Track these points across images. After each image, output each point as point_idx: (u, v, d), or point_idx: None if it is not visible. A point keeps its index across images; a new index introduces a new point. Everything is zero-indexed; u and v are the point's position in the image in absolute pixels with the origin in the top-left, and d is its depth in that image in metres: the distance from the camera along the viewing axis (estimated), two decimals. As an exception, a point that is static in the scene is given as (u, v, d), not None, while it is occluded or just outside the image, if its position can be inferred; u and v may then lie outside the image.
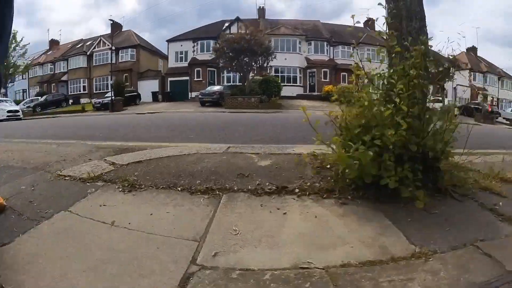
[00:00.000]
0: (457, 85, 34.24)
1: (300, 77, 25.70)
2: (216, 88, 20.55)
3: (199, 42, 26.49)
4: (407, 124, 1.61)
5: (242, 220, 1.55)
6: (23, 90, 37.31)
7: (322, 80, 25.03)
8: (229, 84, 21.52)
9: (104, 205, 1.71)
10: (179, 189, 1.91)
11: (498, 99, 37.30)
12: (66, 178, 2.13)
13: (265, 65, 20.09)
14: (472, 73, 35.10)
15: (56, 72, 34.88)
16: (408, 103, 1.70)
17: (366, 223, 1.53)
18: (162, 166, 2.33)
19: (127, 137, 4.97)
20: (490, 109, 25.65)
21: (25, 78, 36.29)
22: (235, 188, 1.90)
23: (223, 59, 19.02)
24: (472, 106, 27.29)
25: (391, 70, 1.90)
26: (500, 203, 1.72)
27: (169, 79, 28.17)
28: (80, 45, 34.87)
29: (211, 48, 22.15)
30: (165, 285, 1.09)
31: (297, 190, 1.85)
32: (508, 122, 24.63)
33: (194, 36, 27.47)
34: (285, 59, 25.45)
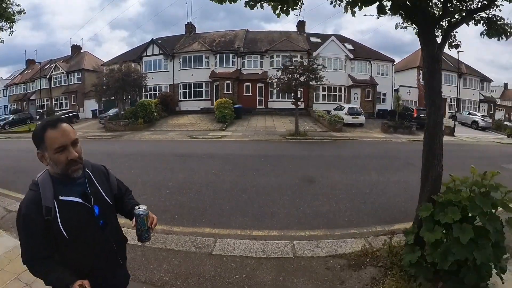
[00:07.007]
0: (399, 86, 32.22)
1: (207, 91, 26.71)
2: (111, 111, 23.61)
3: (123, 65, 28.61)
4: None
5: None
6: (4, 106, 43.29)
7: (225, 92, 25.70)
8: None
9: None
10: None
11: (458, 99, 33.62)
12: None
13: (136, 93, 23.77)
14: (421, 71, 32.42)
15: (27, 92, 39.97)
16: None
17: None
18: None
19: None
20: (415, 115, 23.90)
21: (6, 96, 42.62)
22: None
23: (99, 92, 22.29)
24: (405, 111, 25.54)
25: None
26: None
27: (103, 98, 30.79)
28: (46, 66, 39.28)
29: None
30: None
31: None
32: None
33: (121, 59, 29.65)
34: (192, 75, 26.61)
